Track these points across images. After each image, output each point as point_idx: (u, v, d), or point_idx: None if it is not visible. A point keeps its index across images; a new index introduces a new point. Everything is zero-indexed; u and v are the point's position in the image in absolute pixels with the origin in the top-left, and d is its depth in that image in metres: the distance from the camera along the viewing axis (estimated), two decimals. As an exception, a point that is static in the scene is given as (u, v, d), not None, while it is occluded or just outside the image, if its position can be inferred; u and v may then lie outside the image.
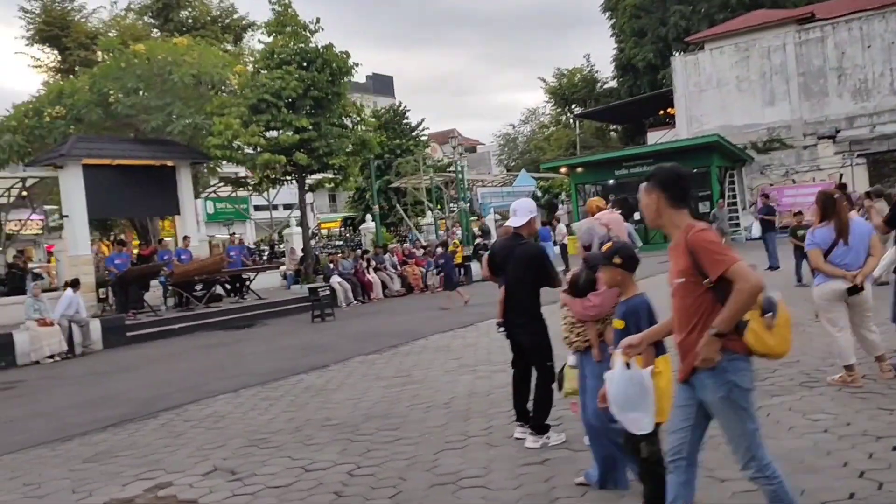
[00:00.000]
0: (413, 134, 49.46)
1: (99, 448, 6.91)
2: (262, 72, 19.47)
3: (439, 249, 20.65)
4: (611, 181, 31.04)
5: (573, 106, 55.47)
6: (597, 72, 55.78)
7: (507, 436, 5.83)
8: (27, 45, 24.27)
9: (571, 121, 52.09)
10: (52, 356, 13.59)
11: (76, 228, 17.54)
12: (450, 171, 35.34)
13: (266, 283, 22.28)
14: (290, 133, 19.61)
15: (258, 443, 6.48)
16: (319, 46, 20.45)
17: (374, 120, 22.16)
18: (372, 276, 21.20)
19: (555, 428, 5.66)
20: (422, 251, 23.14)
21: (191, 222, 20.00)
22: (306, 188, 22.58)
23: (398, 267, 22.32)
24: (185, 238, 18.49)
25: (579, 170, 32.73)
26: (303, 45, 19.76)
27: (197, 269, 17.53)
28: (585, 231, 4.62)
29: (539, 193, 41.43)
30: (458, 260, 24.51)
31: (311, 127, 19.67)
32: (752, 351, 3.06)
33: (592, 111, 49.17)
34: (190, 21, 27.78)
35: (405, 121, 50.93)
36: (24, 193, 21.36)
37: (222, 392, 8.99)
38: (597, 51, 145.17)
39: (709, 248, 3.06)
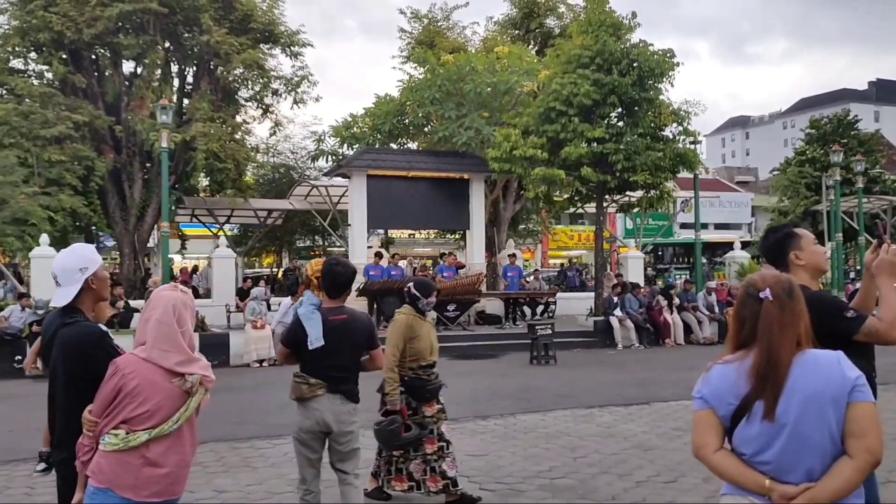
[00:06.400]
0: (861, 148, 41.38)
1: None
2: (556, 78, 17.57)
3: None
4: None
5: None
6: None
7: None
8: (402, 63, 26.06)
9: None
10: (260, 361, 13.96)
11: (356, 237, 18.02)
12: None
13: (575, 309, 20.33)
14: (582, 145, 17.37)
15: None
16: (629, 45, 17.73)
17: (695, 129, 18.47)
18: (671, 317, 17.68)
19: None
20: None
21: (479, 238, 19.09)
22: (612, 209, 20.00)
23: (716, 309, 18.22)
24: (449, 255, 17.69)
25: None
26: (601, 46, 17.25)
27: (449, 289, 16.57)
28: None
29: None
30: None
31: (609, 138, 17.14)
32: None
33: None
34: (556, 30, 26.84)
35: (853, 132, 43.03)
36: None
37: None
38: None
39: None
